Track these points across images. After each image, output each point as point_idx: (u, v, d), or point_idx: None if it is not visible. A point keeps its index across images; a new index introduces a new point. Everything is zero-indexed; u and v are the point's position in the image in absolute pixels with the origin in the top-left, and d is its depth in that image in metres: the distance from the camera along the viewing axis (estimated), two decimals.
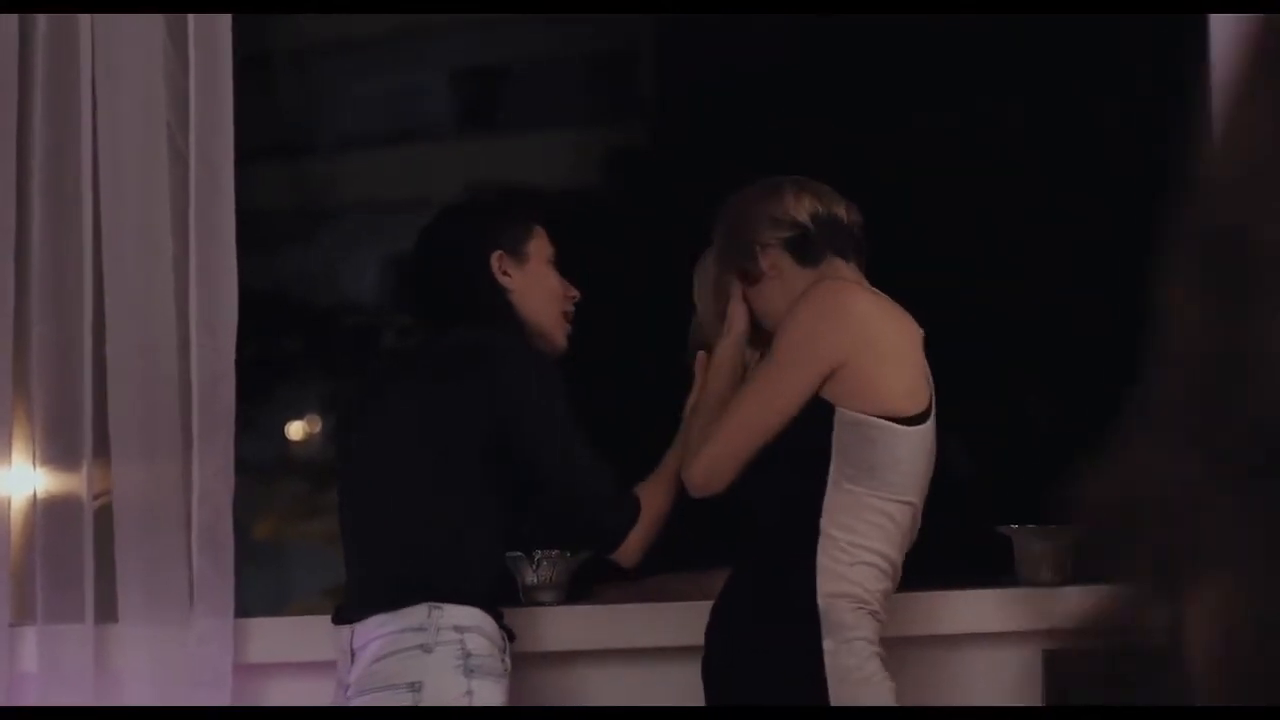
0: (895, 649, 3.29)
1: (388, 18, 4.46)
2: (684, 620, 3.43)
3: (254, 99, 3.97)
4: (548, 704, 3.62)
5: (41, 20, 3.63)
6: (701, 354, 3.44)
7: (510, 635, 3.32)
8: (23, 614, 3.64)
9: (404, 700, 3.17)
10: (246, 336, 3.66)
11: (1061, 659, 3.61)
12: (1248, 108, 0.80)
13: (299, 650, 3.62)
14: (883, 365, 3.22)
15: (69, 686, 3.56)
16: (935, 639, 3.68)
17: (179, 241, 3.64)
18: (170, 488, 3.61)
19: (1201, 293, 0.79)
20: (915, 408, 3.24)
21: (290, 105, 4.75)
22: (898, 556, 3.25)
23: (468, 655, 3.18)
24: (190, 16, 3.65)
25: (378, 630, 3.23)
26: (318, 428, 4.67)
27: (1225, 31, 3.65)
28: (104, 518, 3.61)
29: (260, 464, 4.44)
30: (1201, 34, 3.77)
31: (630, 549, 3.37)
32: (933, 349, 3.31)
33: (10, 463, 3.64)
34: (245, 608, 3.67)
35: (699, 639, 3.29)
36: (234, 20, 3.69)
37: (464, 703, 3.16)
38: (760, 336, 3.40)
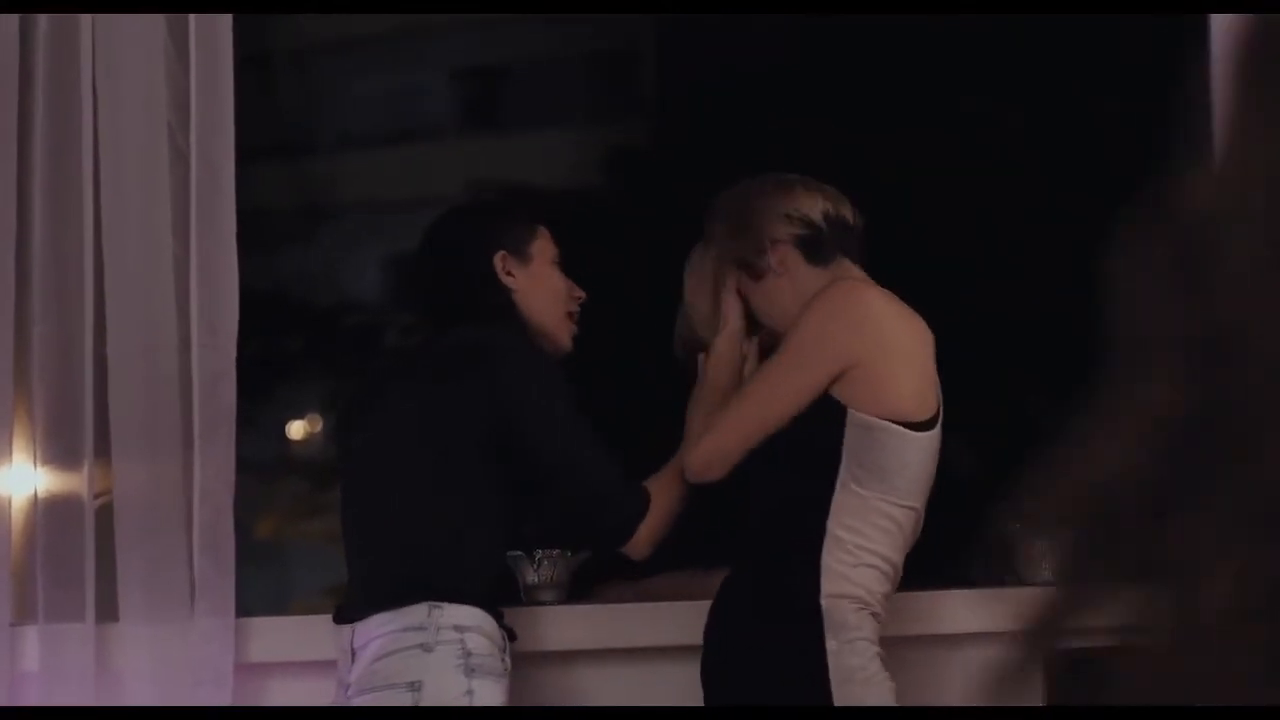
0: (895, 648, 3.30)
1: (388, 18, 4.47)
2: (686, 620, 3.43)
3: (254, 99, 3.98)
4: (548, 703, 3.62)
5: (42, 20, 3.63)
6: (703, 356, 3.44)
7: (511, 635, 3.32)
8: (24, 613, 3.65)
9: (404, 699, 3.17)
10: (247, 336, 3.66)
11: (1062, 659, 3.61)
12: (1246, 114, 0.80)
13: (300, 650, 3.62)
14: (895, 368, 3.21)
15: (70, 686, 3.56)
16: (936, 638, 3.68)
17: (180, 241, 3.65)
18: (171, 487, 3.61)
19: (1169, 279, 0.79)
20: (924, 413, 3.24)
21: (290, 105, 4.75)
22: (899, 560, 3.26)
23: (468, 655, 3.19)
24: (191, 16, 3.65)
25: (378, 629, 3.23)
26: (318, 427, 4.67)
27: (1225, 31, 3.65)
28: (105, 517, 3.61)
29: (261, 463, 4.44)
30: (1202, 34, 3.77)
31: (640, 542, 3.37)
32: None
33: (11, 462, 3.64)
34: (246, 607, 3.67)
35: (701, 638, 3.29)
36: (234, 20, 3.69)
37: (464, 702, 3.16)
38: (759, 330, 3.40)
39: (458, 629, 3.20)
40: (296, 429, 4.69)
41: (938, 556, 3.38)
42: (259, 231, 4.04)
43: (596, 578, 3.76)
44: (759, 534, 3.26)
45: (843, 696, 3.12)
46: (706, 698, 3.27)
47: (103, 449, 3.61)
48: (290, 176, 4.73)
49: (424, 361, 3.38)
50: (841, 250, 3.35)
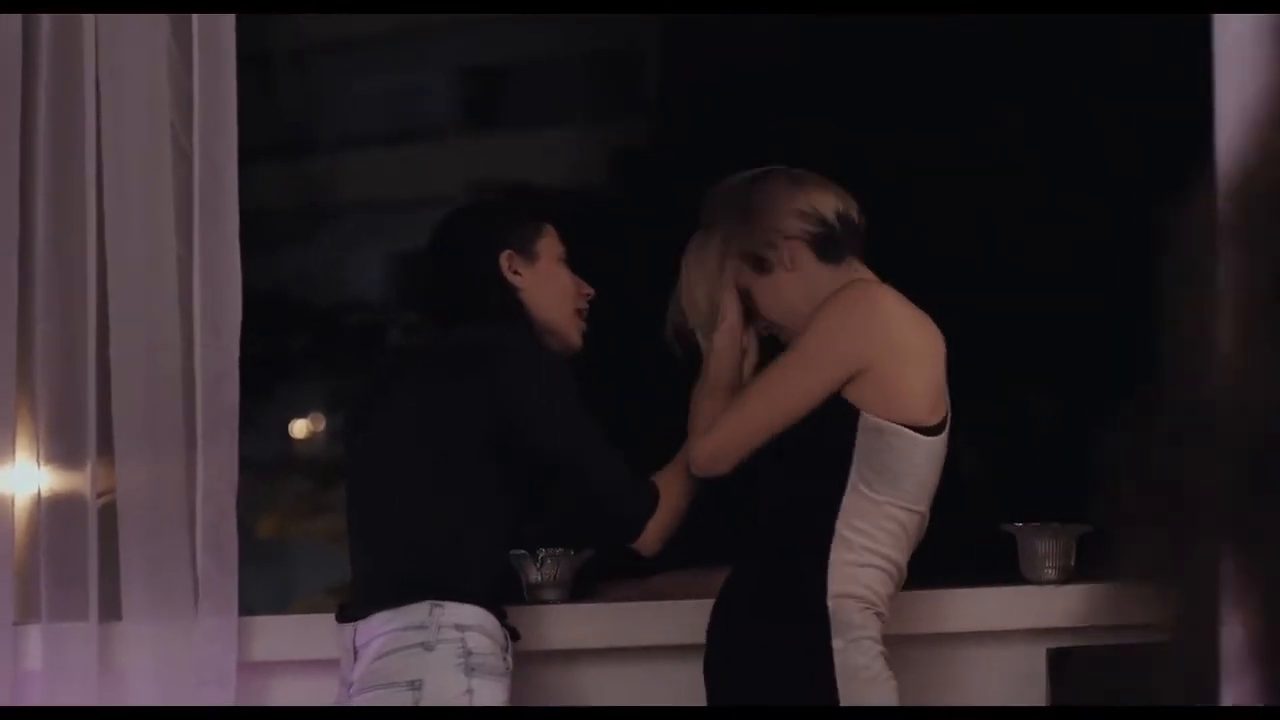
0: (899, 647, 3.30)
1: (388, 17, 4.47)
2: (689, 619, 3.43)
3: (255, 99, 3.98)
4: (551, 703, 3.62)
5: (45, 20, 3.64)
6: (707, 345, 3.44)
7: (514, 634, 3.32)
8: (27, 612, 3.65)
9: (404, 698, 3.17)
10: (250, 335, 3.66)
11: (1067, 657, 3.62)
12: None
13: (303, 648, 3.62)
14: (907, 372, 3.21)
15: (73, 685, 3.57)
16: (939, 637, 3.68)
17: (183, 241, 3.65)
18: (174, 486, 3.61)
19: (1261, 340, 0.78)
20: (935, 417, 3.25)
21: (292, 105, 4.76)
22: (904, 561, 3.27)
23: (468, 654, 3.19)
24: (194, 16, 3.65)
25: (380, 628, 3.23)
26: (321, 426, 4.67)
27: (1227, 32, 3.66)
28: (108, 516, 3.62)
29: (264, 462, 4.44)
30: (1202, 35, 3.78)
31: (650, 538, 3.37)
32: None
33: (14, 461, 3.64)
34: (249, 606, 3.67)
35: (704, 637, 3.29)
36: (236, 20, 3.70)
37: (464, 701, 3.16)
38: (756, 322, 3.39)
39: (459, 628, 3.20)
40: (299, 428, 4.70)
41: (941, 555, 3.38)
42: (261, 231, 4.04)
43: (600, 576, 3.77)
44: (767, 533, 3.26)
45: (847, 695, 3.12)
46: (709, 697, 3.28)
47: (106, 448, 3.62)
48: (291, 176, 4.73)
49: (426, 361, 3.39)
50: (850, 249, 3.35)
